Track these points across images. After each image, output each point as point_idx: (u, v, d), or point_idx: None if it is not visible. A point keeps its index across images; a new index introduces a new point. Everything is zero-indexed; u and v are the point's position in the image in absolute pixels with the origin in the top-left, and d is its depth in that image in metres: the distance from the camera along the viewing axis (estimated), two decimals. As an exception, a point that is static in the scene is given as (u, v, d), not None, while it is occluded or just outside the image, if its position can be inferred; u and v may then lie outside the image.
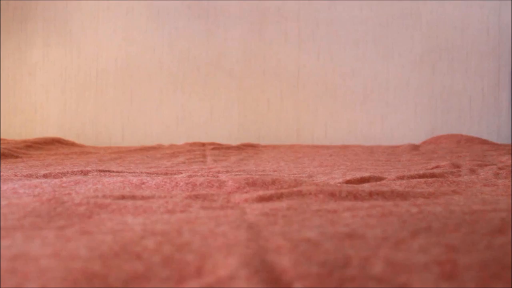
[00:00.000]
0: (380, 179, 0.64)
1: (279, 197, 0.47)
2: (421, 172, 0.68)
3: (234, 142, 1.84)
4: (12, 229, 0.33)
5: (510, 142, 1.90)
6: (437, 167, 0.78)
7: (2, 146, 1.20)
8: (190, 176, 0.62)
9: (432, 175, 0.66)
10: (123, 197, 0.46)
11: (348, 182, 0.61)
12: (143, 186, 0.56)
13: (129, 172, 0.77)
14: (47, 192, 0.50)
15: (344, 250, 0.28)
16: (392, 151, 1.32)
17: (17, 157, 1.08)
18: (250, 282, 0.23)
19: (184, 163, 1.01)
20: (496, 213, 0.38)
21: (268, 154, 1.27)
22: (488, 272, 0.24)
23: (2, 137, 2.08)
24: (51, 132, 2.13)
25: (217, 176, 0.61)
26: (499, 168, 0.72)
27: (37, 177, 0.66)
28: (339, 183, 0.60)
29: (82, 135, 2.11)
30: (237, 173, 0.75)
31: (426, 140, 1.80)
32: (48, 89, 2.15)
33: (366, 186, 0.57)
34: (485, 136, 1.91)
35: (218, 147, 1.47)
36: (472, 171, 0.72)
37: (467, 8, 1.94)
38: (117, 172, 0.77)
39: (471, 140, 1.65)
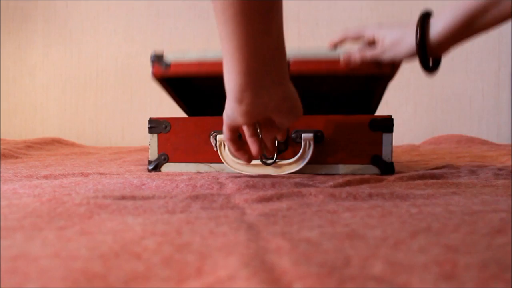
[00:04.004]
0: (380, 180, 0.64)
1: (279, 197, 0.47)
2: (420, 172, 0.68)
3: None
4: (12, 230, 0.33)
5: (510, 142, 1.90)
6: (436, 168, 0.78)
7: (2, 146, 1.20)
8: (190, 178, 0.62)
9: (432, 176, 0.66)
10: (123, 198, 0.46)
11: (347, 182, 0.61)
12: (143, 187, 0.56)
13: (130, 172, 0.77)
14: (47, 193, 0.50)
15: (344, 250, 0.28)
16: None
17: (17, 157, 1.08)
18: (250, 282, 0.23)
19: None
20: (496, 214, 0.38)
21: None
22: (488, 272, 0.24)
23: (2, 137, 2.08)
24: (51, 132, 2.13)
25: (217, 178, 0.61)
26: (499, 169, 0.72)
27: (37, 178, 0.66)
28: (339, 183, 0.60)
29: (82, 135, 2.11)
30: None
31: (426, 140, 1.80)
32: (48, 89, 2.15)
33: (366, 187, 0.57)
34: (485, 136, 1.91)
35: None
36: (472, 171, 0.72)
37: (467, 8, 1.94)
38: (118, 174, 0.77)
39: (471, 140, 1.65)
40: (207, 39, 2.04)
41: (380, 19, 1.98)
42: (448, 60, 1.96)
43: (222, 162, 0.74)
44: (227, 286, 0.23)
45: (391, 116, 0.74)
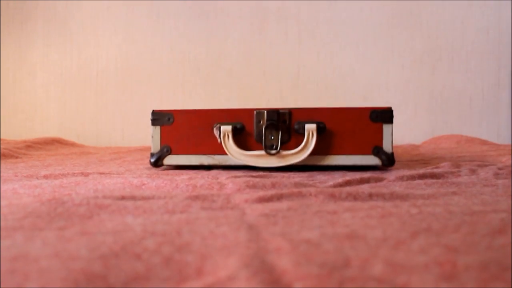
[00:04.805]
0: (380, 179, 0.64)
1: (279, 198, 0.47)
2: (421, 172, 0.68)
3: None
4: (12, 230, 0.33)
5: (510, 142, 1.90)
6: (436, 167, 0.78)
7: (2, 146, 1.20)
8: (190, 178, 0.62)
9: (432, 176, 0.66)
10: (123, 198, 0.46)
11: (347, 182, 0.61)
12: (143, 187, 0.56)
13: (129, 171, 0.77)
14: (47, 193, 0.50)
15: (344, 250, 0.28)
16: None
17: (17, 157, 1.08)
18: (250, 283, 0.23)
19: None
20: (496, 214, 0.38)
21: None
22: (488, 272, 0.24)
23: (2, 137, 2.08)
24: (51, 132, 2.13)
25: (217, 178, 0.61)
26: (499, 169, 0.72)
27: (37, 178, 0.66)
28: (339, 183, 0.60)
29: (82, 135, 2.11)
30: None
31: (426, 140, 1.80)
32: (48, 89, 2.15)
33: (366, 187, 0.57)
34: (485, 136, 1.91)
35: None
36: (472, 171, 0.72)
37: (467, 8, 1.94)
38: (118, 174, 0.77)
39: (471, 141, 1.65)
40: (207, 39, 2.04)
41: (380, 19, 1.98)
42: (448, 60, 1.96)
43: (226, 154, 0.75)
44: (227, 286, 0.23)
45: (390, 107, 0.75)
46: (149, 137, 2.04)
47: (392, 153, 0.75)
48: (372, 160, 0.74)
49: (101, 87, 2.12)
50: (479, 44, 1.95)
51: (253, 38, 2.03)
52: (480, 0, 1.94)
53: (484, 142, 1.62)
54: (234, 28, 2.03)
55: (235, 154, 0.74)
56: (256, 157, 0.73)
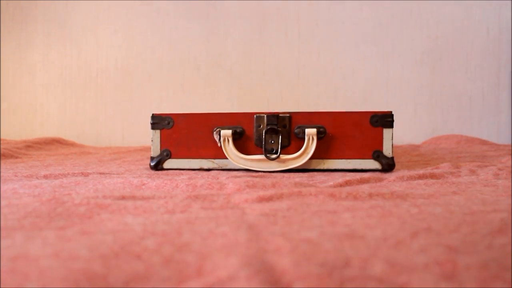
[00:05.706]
0: (380, 179, 0.64)
1: (279, 197, 0.47)
2: (420, 172, 0.68)
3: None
4: (12, 229, 0.33)
5: (510, 143, 1.90)
6: (436, 167, 0.78)
7: (2, 146, 1.20)
8: (190, 178, 0.62)
9: (432, 176, 0.66)
10: (123, 198, 0.46)
11: (347, 182, 0.61)
12: (143, 187, 0.56)
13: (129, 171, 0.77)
14: (47, 192, 0.50)
15: (344, 250, 0.28)
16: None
17: (17, 157, 1.08)
18: (250, 283, 0.23)
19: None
20: (496, 214, 0.38)
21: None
22: (488, 272, 0.24)
23: (2, 137, 2.08)
24: (51, 132, 2.13)
25: (217, 178, 0.61)
26: (499, 169, 0.72)
27: (37, 178, 0.66)
28: (339, 183, 0.60)
29: (82, 135, 2.11)
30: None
31: (426, 141, 1.80)
32: (48, 89, 2.15)
33: (366, 187, 0.57)
34: (485, 136, 1.91)
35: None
36: (472, 171, 0.72)
37: (467, 8, 1.94)
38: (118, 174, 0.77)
39: (471, 141, 1.65)
40: (207, 39, 2.04)
41: (380, 19, 1.98)
42: (448, 60, 1.96)
43: (226, 158, 0.75)
44: (227, 286, 0.23)
45: (391, 111, 0.75)
46: (149, 138, 2.04)
47: (392, 157, 0.75)
48: (372, 164, 0.74)
49: (101, 87, 2.12)
50: (479, 44, 1.95)
51: (253, 38, 2.03)
52: (480, 0, 1.94)
53: (484, 142, 1.62)
54: (234, 28, 2.03)
55: (235, 158, 0.74)
56: (256, 162, 0.73)
